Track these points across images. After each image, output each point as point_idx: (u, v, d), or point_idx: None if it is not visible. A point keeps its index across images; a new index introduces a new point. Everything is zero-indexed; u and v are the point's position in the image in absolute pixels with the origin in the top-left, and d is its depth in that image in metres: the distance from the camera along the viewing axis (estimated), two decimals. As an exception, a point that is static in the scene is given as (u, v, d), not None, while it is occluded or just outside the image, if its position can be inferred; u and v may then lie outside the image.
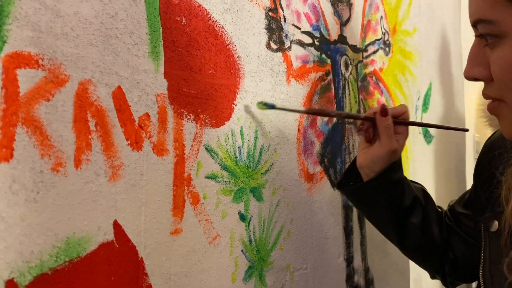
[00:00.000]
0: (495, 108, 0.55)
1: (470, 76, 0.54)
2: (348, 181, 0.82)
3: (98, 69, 0.53)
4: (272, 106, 0.74)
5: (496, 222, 0.63)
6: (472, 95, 2.06)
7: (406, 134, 0.79)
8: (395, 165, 0.76)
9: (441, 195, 1.52)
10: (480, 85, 0.56)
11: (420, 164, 1.40)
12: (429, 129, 1.50)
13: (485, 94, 0.55)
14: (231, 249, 0.71)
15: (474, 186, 0.76)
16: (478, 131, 2.10)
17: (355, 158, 0.81)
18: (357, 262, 1.03)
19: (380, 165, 0.76)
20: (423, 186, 0.85)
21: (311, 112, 0.87)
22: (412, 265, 1.24)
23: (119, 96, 0.55)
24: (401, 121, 0.78)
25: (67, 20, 0.50)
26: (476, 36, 0.54)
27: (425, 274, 0.90)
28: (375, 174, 0.76)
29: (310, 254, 0.89)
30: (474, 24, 0.53)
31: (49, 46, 0.48)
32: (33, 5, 0.47)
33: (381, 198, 0.77)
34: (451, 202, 0.85)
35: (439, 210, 0.84)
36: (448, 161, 1.64)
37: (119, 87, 0.55)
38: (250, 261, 0.74)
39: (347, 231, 1.00)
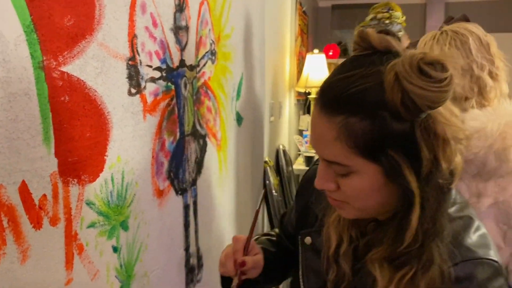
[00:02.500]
0: (339, 205, 0.71)
1: (322, 189, 0.72)
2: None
3: (7, 172, 0.58)
4: None
5: (309, 238, 0.90)
6: (269, 71, 2.41)
7: (258, 249, 0.88)
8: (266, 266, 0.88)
9: (250, 154, 1.84)
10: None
11: (233, 141, 1.67)
12: (240, 112, 1.75)
13: (331, 197, 0.71)
14: (108, 278, 0.84)
15: (295, 209, 0.98)
16: (272, 97, 2.50)
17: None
18: (192, 247, 1.26)
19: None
20: (269, 237, 1.03)
21: None
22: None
23: (23, 189, 0.62)
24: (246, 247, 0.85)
25: (-19, 139, 0.54)
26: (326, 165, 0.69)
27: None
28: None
29: (160, 255, 1.07)
30: (328, 161, 0.67)
31: (-31, 169, 0.53)
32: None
33: None
34: (284, 221, 1.05)
35: (287, 246, 1.00)
36: (253, 129, 1.96)
37: (23, 181, 0.61)
38: (121, 282, 0.89)
39: (186, 226, 1.21)
